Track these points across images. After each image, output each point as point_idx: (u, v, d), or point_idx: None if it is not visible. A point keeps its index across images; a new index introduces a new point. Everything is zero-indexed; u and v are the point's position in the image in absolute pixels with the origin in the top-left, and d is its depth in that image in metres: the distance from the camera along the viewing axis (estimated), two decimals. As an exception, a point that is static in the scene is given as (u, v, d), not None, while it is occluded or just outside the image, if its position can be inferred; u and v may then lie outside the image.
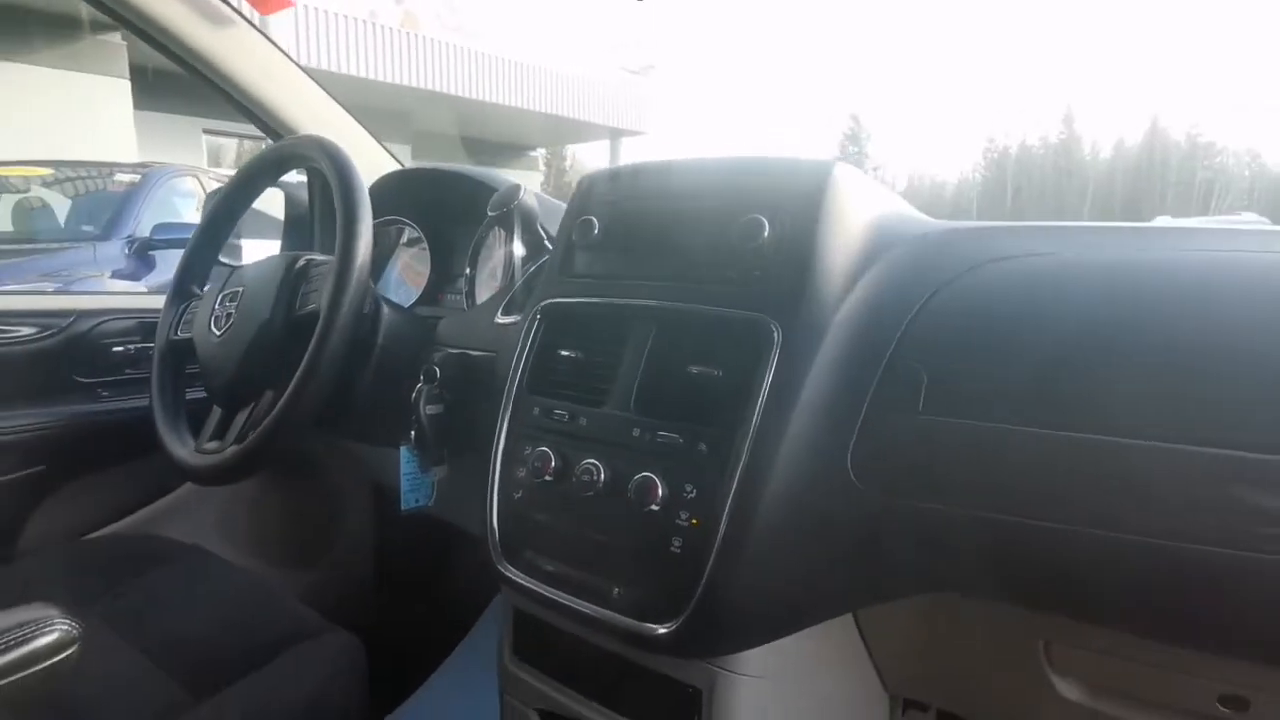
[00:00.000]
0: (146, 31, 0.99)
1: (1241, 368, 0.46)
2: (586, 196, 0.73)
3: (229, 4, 1.04)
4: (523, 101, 11.76)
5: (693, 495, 0.57)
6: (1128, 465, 0.47)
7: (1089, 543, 0.48)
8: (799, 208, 0.60)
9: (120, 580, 0.86)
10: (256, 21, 1.12)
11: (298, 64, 1.12)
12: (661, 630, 0.56)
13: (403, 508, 0.81)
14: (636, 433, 0.61)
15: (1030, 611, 0.56)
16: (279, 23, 6.15)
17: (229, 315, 0.82)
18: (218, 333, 0.82)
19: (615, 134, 14.62)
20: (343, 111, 1.17)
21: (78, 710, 0.67)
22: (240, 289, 0.83)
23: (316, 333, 0.72)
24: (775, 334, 0.56)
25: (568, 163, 42.66)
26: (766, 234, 0.60)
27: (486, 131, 12.98)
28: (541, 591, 0.64)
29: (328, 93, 1.16)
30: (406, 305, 1.01)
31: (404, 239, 1.07)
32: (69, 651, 0.51)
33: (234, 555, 1.04)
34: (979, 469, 0.52)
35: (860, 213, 0.61)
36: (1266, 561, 0.43)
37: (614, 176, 0.73)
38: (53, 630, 0.50)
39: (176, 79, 1.19)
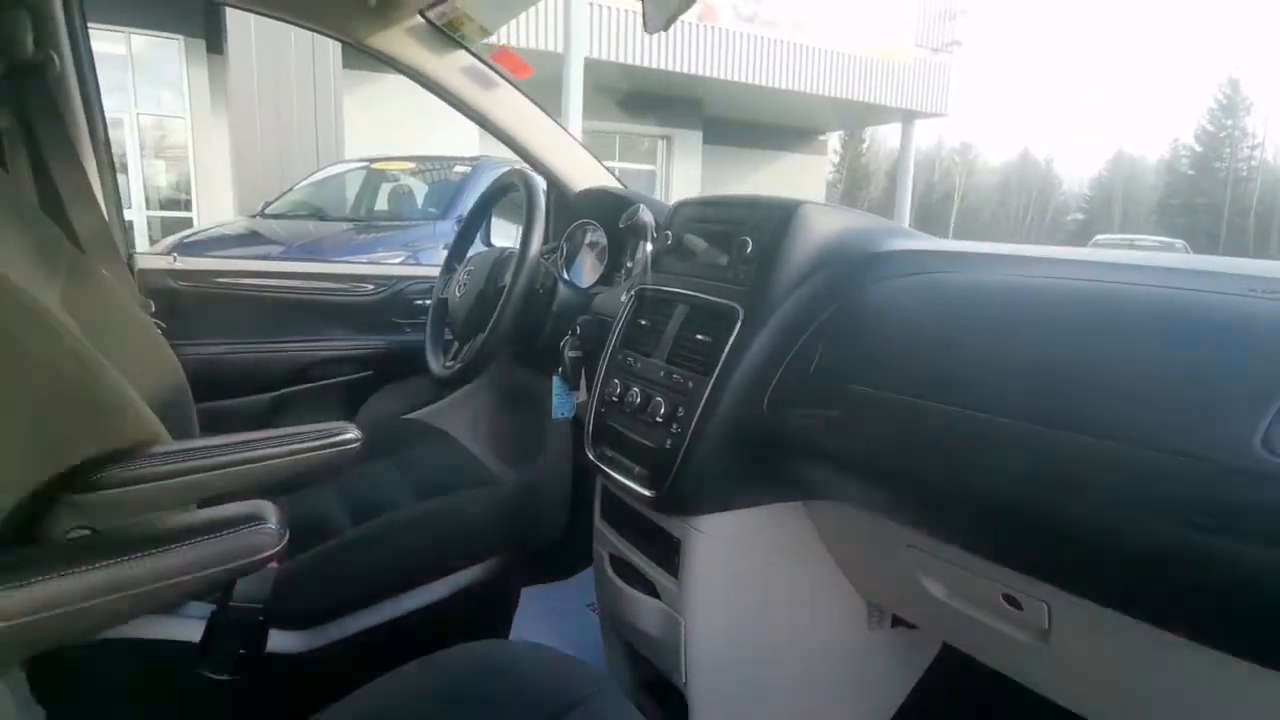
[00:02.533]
0: (443, 91, 1.51)
1: (1011, 366, 0.68)
2: (670, 218, 1.08)
3: (497, 72, 1.54)
4: (812, 87, 11.84)
5: (681, 414, 0.90)
6: (940, 423, 0.70)
7: (926, 478, 0.72)
8: (771, 233, 0.89)
9: (401, 442, 1.41)
10: (515, 81, 1.60)
11: (543, 109, 1.59)
12: (651, 494, 0.92)
13: (553, 417, 1.24)
14: (662, 374, 0.96)
15: (889, 519, 0.81)
16: (578, 17, 6.95)
17: (463, 284, 1.32)
18: (458, 295, 1.33)
19: (909, 116, 14.03)
20: (571, 140, 1.61)
21: (349, 487, 1.19)
22: (471, 268, 1.32)
23: (501, 299, 1.17)
24: (739, 316, 0.88)
25: (865, 145, 41.32)
26: (749, 250, 0.90)
27: (775, 117, 13.30)
28: (606, 469, 1.02)
29: (561, 126, 1.61)
30: (587, 285, 1.44)
31: (588, 238, 1.49)
32: (352, 447, 1.00)
33: (468, 443, 1.56)
34: (842, 414, 0.79)
35: (812, 238, 0.88)
36: (1025, 511, 0.64)
37: (682, 206, 1.07)
38: (347, 432, 1.00)
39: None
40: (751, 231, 0.92)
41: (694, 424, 0.88)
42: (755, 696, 1.00)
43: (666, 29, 1.02)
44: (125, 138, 8.01)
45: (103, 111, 1.45)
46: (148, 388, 1.02)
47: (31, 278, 0.95)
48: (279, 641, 0.98)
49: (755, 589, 0.96)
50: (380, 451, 1.36)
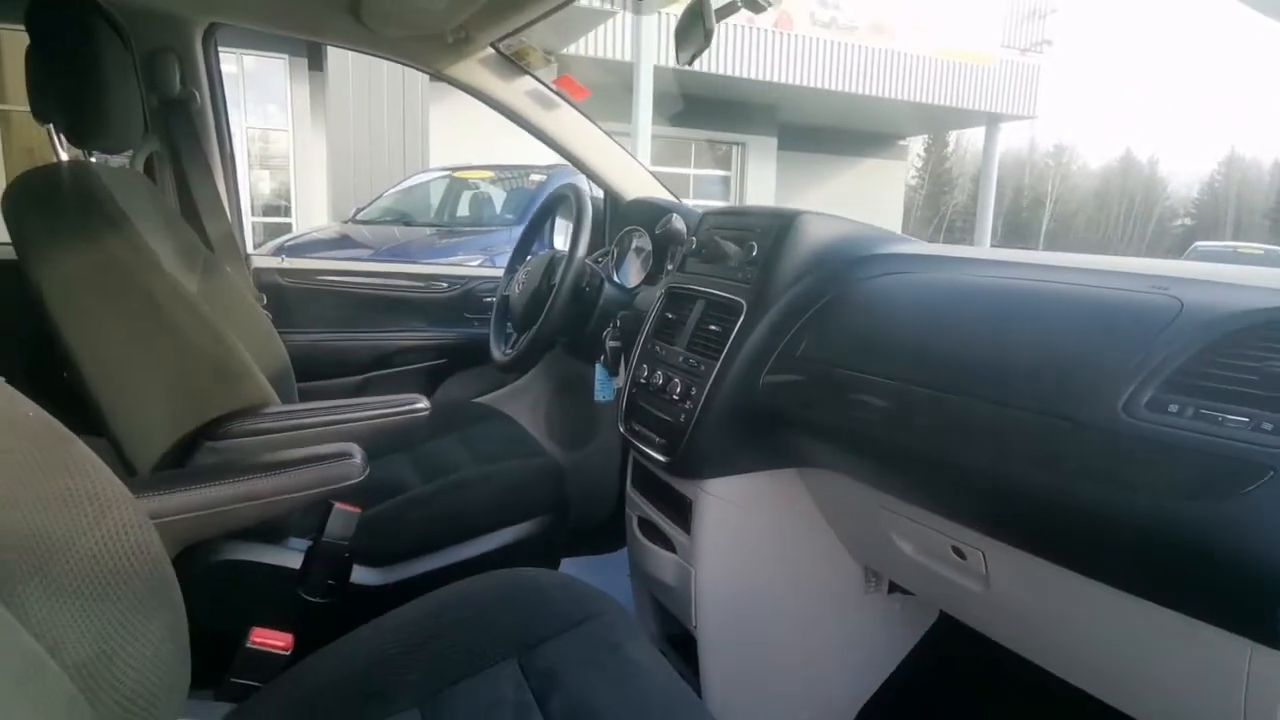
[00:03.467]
0: (511, 113, 1.71)
1: (955, 351, 0.81)
2: (698, 226, 1.24)
3: (559, 95, 1.73)
4: (891, 91, 11.71)
5: (693, 392, 1.06)
6: (908, 400, 0.84)
7: (886, 442, 0.86)
8: (774, 238, 1.05)
9: (466, 422, 1.62)
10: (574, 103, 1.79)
11: (600, 127, 1.77)
12: (666, 460, 1.08)
13: (595, 399, 1.42)
14: (681, 359, 1.12)
15: (866, 485, 0.94)
16: (646, 30, 7.19)
17: (521, 283, 1.51)
18: (517, 292, 1.52)
19: (993, 119, 13.66)
20: (625, 154, 1.79)
21: (422, 456, 1.40)
22: (529, 268, 1.52)
23: (551, 296, 1.36)
24: (743, 309, 1.03)
25: (949, 149, 40.16)
26: (755, 253, 1.06)
27: (852, 122, 13.20)
28: (634, 441, 1.18)
29: (616, 142, 1.79)
30: (632, 285, 1.61)
31: (634, 244, 1.66)
32: (421, 414, 1.20)
33: (528, 425, 1.75)
34: (821, 392, 0.93)
35: (808, 242, 1.03)
36: (952, 467, 0.77)
37: (708, 215, 1.24)
38: (418, 402, 1.19)
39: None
40: (758, 237, 1.07)
41: (703, 400, 1.04)
42: (757, 644, 1.14)
43: (691, 62, 1.18)
44: (235, 148, 8.66)
45: (231, 138, 1.72)
46: (260, 366, 1.25)
47: (178, 270, 1.18)
48: (360, 576, 1.18)
49: (758, 547, 1.10)
50: (448, 428, 1.57)
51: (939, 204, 37.58)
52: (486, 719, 0.74)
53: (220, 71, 1.63)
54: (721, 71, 10.56)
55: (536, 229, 1.69)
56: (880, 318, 0.92)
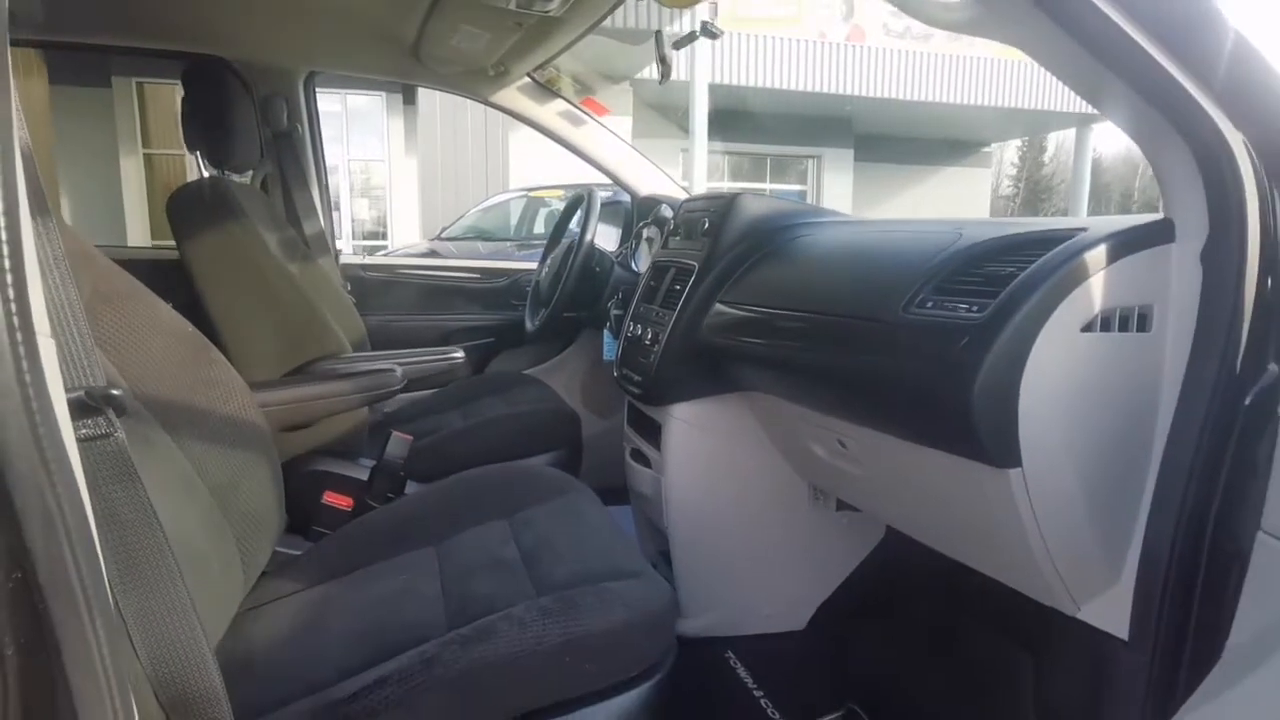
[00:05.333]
0: (546, 130, 2.06)
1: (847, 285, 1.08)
2: (678, 211, 1.54)
3: (585, 113, 2.07)
4: (970, 98, 11.58)
5: (660, 338, 1.36)
6: (791, 323, 1.11)
7: (784, 358, 1.13)
8: (720, 215, 1.33)
9: (507, 387, 1.95)
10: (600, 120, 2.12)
11: (620, 138, 2.09)
12: (639, 391, 1.38)
13: (605, 356, 1.73)
14: (655, 314, 1.42)
15: (785, 400, 1.21)
16: (700, 51, 7.57)
17: (545, 270, 1.85)
18: (544, 275, 1.86)
19: (1084, 120, 13.24)
20: (641, 158, 2.11)
21: (469, 411, 1.74)
22: (553, 256, 1.85)
23: (563, 279, 1.69)
24: (695, 271, 1.32)
25: (1047, 154, 38.59)
26: (706, 227, 1.35)
27: (930, 130, 13.11)
28: (623, 384, 1.49)
29: (633, 147, 2.11)
30: (643, 268, 1.91)
31: (645, 234, 1.97)
32: (458, 362, 1.54)
33: (564, 394, 2.07)
34: (749, 327, 1.20)
35: (743, 217, 1.31)
36: (822, 368, 1.04)
37: (684, 203, 1.53)
38: (455, 353, 1.53)
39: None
40: (710, 215, 1.36)
41: (664, 342, 1.33)
42: (719, 546, 1.41)
43: (662, 83, 1.49)
44: (340, 180, 9.52)
45: (324, 161, 2.15)
46: (348, 338, 1.63)
47: (282, 257, 1.57)
48: (412, 489, 1.53)
49: (715, 461, 1.38)
50: (493, 390, 1.91)
51: (1038, 210, 36.11)
52: (479, 549, 1.05)
53: (318, 109, 2.06)
54: (795, 87, 10.77)
55: (563, 225, 2.03)
56: (783, 268, 1.20)
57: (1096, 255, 0.78)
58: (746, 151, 12.09)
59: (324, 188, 2.16)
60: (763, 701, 1.25)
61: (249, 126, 1.65)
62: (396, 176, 9.31)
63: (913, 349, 0.86)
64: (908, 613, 1.45)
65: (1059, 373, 0.77)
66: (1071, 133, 14.60)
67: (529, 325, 1.89)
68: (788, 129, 11.93)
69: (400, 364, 1.40)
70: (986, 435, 0.77)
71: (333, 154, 9.45)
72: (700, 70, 7.48)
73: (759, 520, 1.42)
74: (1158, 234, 0.79)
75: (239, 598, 0.98)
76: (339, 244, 2.24)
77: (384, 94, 9.08)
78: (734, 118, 10.38)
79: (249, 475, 1.02)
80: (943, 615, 1.33)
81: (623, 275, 1.80)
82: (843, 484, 1.26)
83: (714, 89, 8.25)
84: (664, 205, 1.64)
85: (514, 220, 6.20)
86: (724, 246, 1.31)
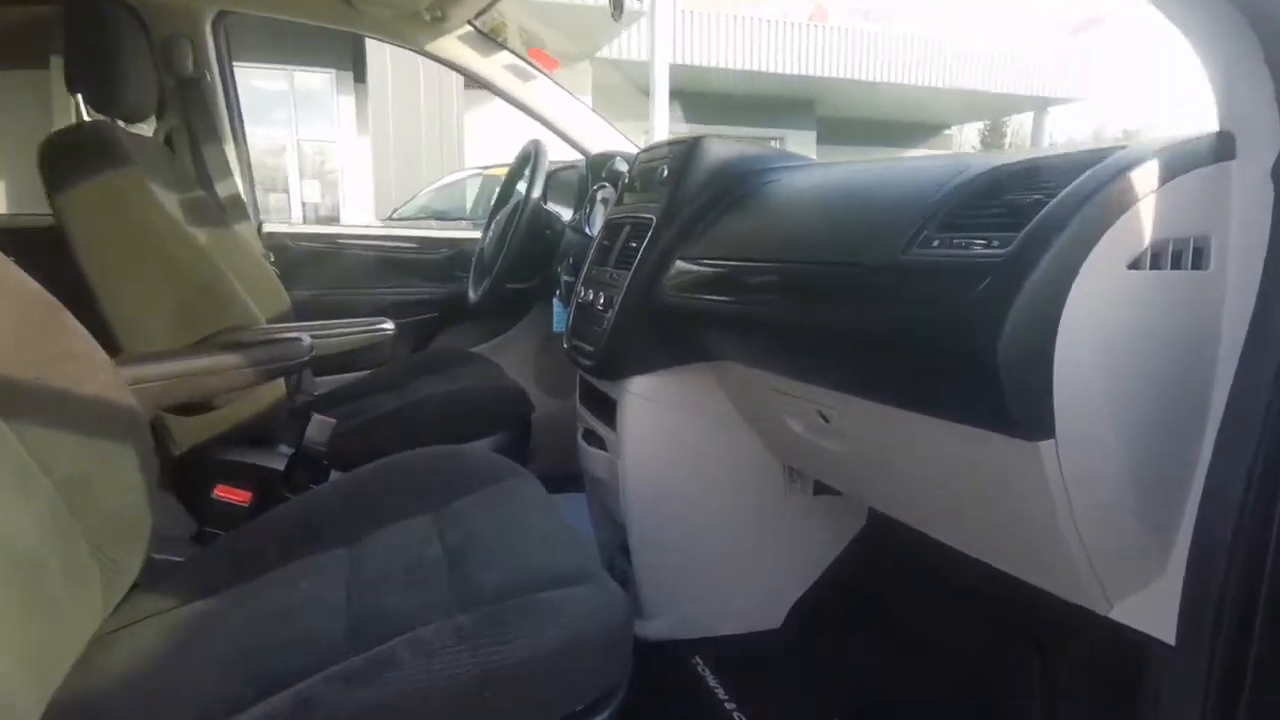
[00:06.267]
0: (490, 84, 1.87)
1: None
2: (632, 165, 1.37)
3: (534, 66, 1.88)
4: (932, 80, 11.59)
5: (614, 301, 1.19)
6: (766, 275, 0.95)
7: (758, 317, 0.97)
8: (680, 161, 1.17)
9: (450, 364, 1.77)
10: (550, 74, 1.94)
11: (570, 92, 1.91)
12: (590, 364, 1.21)
13: (554, 328, 1.55)
14: (608, 276, 1.25)
15: (758, 369, 1.05)
16: (660, 30, 7.39)
17: (489, 235, 1.66)
18: (488, 242, 1.67)
19: (1042, 104, 13.36)
20: (591, 114, 1.92)
21: (404, 392, 1.55)
22: (498, 219, 1.67)
23: (507, 243, 1.50)
24: (652, 225, 1.15)
25: (1006, 138, 39.15)
26: (665, 175, 1.18)
27: (892, 113, 13.09)
28: (573, 356, 1.32)
29: (583, 104, 1.93)
30: (597, 231, 1.74)
31: (600, 196, 1.79)
32: (387, 334, 1.35)
33: (514, 373, 1.89)
34: (715, 285, 1.04)
35: (709, 163, 1.14)
36: (804, 326, 0.88)
37: (640, 153, 1.36)
38: (385, 324, 1.35)
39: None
40: (669, 161, 1.19)
41: (618, 308, 1.16)
42: (683, 537, 1.25)
43: (619, 18, 1.31)
44: (287, 162, 9.13)
45: (241, 115, 1.93)
46: (265, 313, 1.43)
47: (185, 219, 1.37)
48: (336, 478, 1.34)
49: (678, 442, 1.22)
50: (433, 368, 1.72)
51: (995, 197, 36.48)
52: (398, 549, 0.87)
53: (230, 58, 1.83)
54: (757, 68, 10.63)
55: (510, 187, 1.84)
56: (754, 216, 1.04)
57: (1144, 175, 0.63)
58: (708, 133, 11.91)
59: (242, 146, 1.94)
60: (736, 716, 1.10)
61: (143, 69, 1.42)
62: (348, 157, 8.97)
63: (917, 297, 0.70)
64: (895, 608, 1.31)
65: (1103, 320, 0.62)
66: (1029, 116, 14.75)
67: (472, 296, 1.71)
68: (750, 110, 11.80)
69: (314, 335, 1.21)
70: (1015, 399, 0.62)
71: (281, 135, 9.09)
72: (660, 49, 7.30)
73: (728, 506, 1.27)
74: (1215, 150, 0.65)
75: (95, 617, 0.79)
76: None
77: (334, 71, 8.71)
78: (695, 99, 10.20)
79: (110, 466, 0.82)
80: (936, 611, 1.20)
81: (575, 239, 1.62)
82: (823, 464, 1.10)
83: (675, 69, 8.06)
84: (618, 158, 1.47)
85: (469, 199, 5.96)
86: (685, 196, 1.14)
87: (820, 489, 1.30)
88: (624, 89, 9.59)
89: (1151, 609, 0.71)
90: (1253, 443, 0.62)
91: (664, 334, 1.15)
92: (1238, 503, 0.64)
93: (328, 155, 9.50)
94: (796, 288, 0.86)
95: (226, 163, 1.76)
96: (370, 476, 1.03)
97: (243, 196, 1.81)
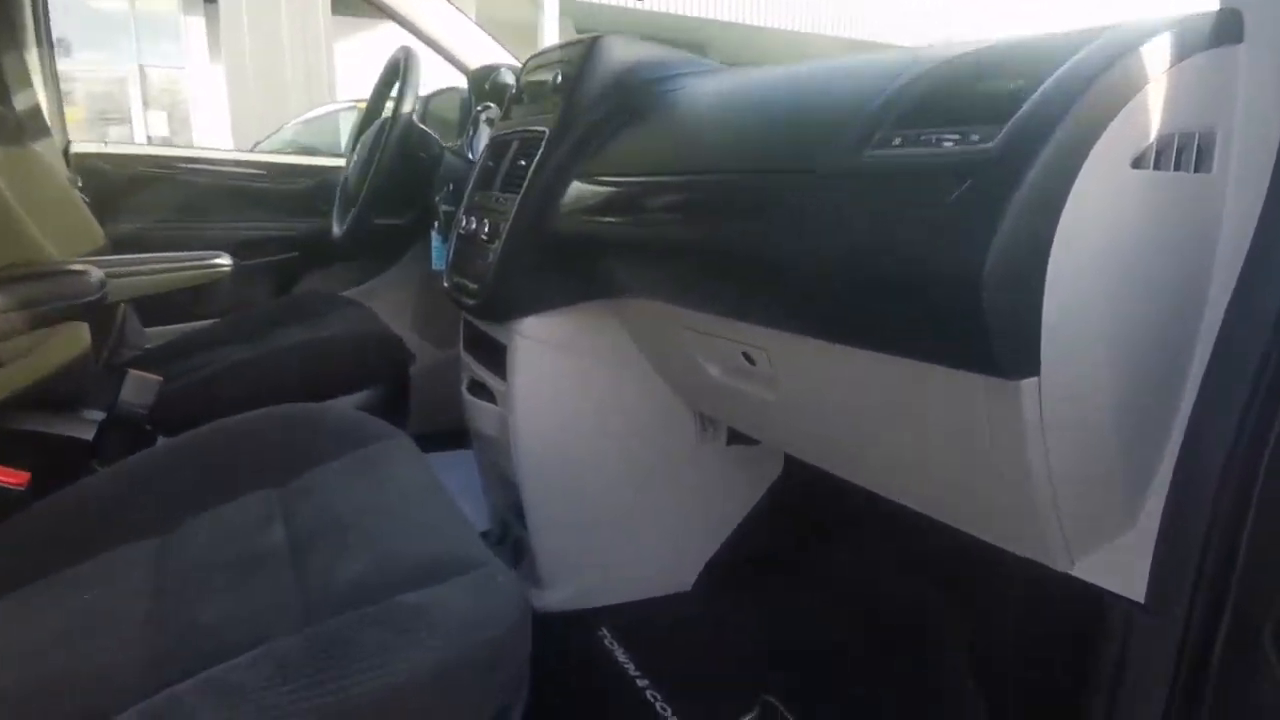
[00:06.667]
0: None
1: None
2: (520, 75, 1.17)
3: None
4: (828, 28, 11.62)
5: (500, 230, 1.01)
6: (682, 191, 0.79)
7: (673, 241, 0.82)
8: (577, 64, 0.99)
9: (314, 313, 1.53)
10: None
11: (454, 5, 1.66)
12: (473, 301, 1.03)
13: (433, 266, 1.35)
14: (494, 201, 1.06)
15: (669, 304, 0.91)
16: None
17: (354, 159, 1.42)
18: (353, 167, 1.43)
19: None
20: (469, 24, 1.68)
21: (258, 343, 1.32)
22: (361, 142, 1.43)
23: (374, 166, 1.28)
24: (545, 138, 0.97)
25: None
26: (559, 80, 1.00)
27: (784, 59, 13.08)
28: (455, 296, 1.13)
29: (464, 14, 1.68)
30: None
31: (485, 116, 1.58)
32: (223, 270, 1.12)
33: (392, 321, 1.66)
34: (620, 206, 0.88)
35: (608, 64, 0.97)
36: (731, 250, 0.74)
37: (528, 61, 1.17)
38: (220, 258, 1.11)
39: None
40: (563, 65, 1.01)
41: (505, 237, 0.99)
42: (583, 495, 1.11)
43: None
44: (130, 91, 8.14)
45: (49, 23, 1.57)
46: (71, 250, 1.15)
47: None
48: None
49: (577, 391, 1.07)
50: (293, 316, 1.49)
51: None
52: (226, 538, 0.69)
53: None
54: (650, 7, 10.31)
55: (377, 104, 1.59)
56: (665, 125, 0.88)
57: (1149, 57, 0.51)
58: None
59: (47, 55, 1.59)
60: (650, 694, 0.98)
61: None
62: (201, 87, 8.08)
63: (878, 207, 0.57)
64: (816, 563, 1.23)
65: (1104, 228, 0.51)
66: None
67: (336, 229, 1.47)
68: (643, 52, 11.48)
69: (120, 271, 0.97)
70: (998, 328, 0.50)
71: (120, 61, 8.09)
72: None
73: (632, 460, 1.13)
74: (1217, 31, 0.54)
75: None
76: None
77: (179, -13, 7.78)
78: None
79: None
80: (860, 565, 1.12)
81: (456, 164, 1.41)
82: (743, 412, 0.99)
83: (564, 4, 7.65)
84: (503, 69, 1.27)
85: (343, 134, 5.46)
86: (583, 104, 0.97)
87: (735, 438, 1.19)
88: (512, 20, 9.07)
89: (1118, 564, 0.63)
90: (1244, 373, 0.54)
91: (559, 267, 0.98)
92: (1224, 441, 0.55)
93: (178, 84, 8.55)
94: (723, 205, 0.71)
95: (26, 74, 1.42)
96: (197, 444, 0.83)
97: (44, 110, 1.48)
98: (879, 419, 0.72)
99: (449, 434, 1.59)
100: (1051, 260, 0.49)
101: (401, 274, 1.82)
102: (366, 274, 1.82)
